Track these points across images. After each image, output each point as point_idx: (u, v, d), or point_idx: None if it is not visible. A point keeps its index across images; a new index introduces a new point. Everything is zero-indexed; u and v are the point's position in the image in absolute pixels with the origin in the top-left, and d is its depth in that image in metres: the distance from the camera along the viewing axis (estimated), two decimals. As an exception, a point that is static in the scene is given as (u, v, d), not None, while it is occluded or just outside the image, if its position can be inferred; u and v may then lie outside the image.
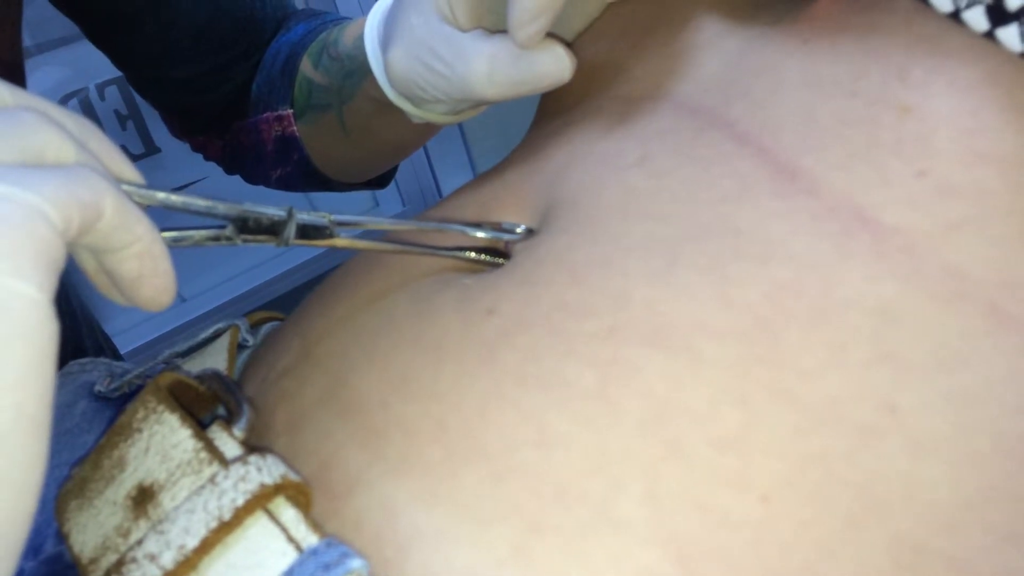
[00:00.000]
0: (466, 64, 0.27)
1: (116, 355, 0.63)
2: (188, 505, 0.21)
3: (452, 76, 0.28)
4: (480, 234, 0.27)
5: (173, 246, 0.21)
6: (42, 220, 0.15)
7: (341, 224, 0.24)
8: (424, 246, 0.27)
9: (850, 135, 0.23)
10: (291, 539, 0.20)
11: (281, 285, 1.14)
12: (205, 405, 0.26)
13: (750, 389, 0.20)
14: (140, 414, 0.24)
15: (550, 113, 0.33)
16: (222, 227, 0.22)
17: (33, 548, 0.26)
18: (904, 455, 0.19)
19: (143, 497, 0.22)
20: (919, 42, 0.24)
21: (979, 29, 0.22)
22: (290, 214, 0.23)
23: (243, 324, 0.34)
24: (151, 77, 0.47)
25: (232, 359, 0.31)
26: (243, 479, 0.21)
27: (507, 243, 0.27)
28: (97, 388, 0.32)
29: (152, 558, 0.20)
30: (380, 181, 0.52)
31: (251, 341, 0.33)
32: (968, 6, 0.22)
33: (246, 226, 0.22)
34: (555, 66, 0.26)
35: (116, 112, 1.01)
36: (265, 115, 0.47)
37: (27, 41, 0.88)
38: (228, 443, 0.23)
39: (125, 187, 0.20)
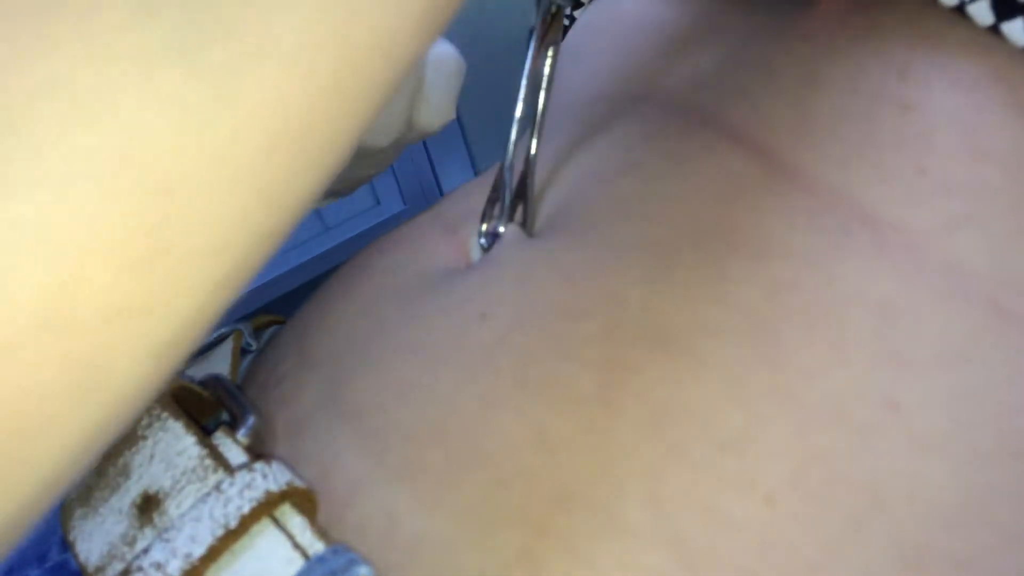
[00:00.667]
0: None
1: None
2: (194, 513, 0.21)
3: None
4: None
5: None
6: None
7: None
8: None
9: (849, 132, 0.23)
10: (297, 546, 0.20)
11: (278, 287, 1.14)
12: (209, 411, 0.26)
13: (751, 388, 0.20)
14: (144, 420, 0.24)
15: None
16: None
17: (38, 556, 0.26)
18: (907, 453, 0.19)
19: (148, 505, 0.22)
20: (921, 40, 0.23)
21: (984, 23, 0.22)
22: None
23: (246, 328, 0.33)
24: None
25: (236, 363, 0.31)
26: (249, 486, 0.21)
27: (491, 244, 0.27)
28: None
29: (158, 567, 0.20)
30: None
31: (255, 345, 0.33)
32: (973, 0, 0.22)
33: None
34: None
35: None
36: None
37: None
38: (233, 449, 0.23)
39: None
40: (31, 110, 0.10)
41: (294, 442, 0.24)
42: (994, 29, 0.22)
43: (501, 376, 0.22)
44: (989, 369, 0.20)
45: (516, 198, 0.27)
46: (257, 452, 0.23)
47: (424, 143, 1.18)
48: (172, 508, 0.21)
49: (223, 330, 0.33)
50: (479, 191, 0.28)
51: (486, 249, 0.27)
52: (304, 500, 0.21)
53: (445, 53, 0.31)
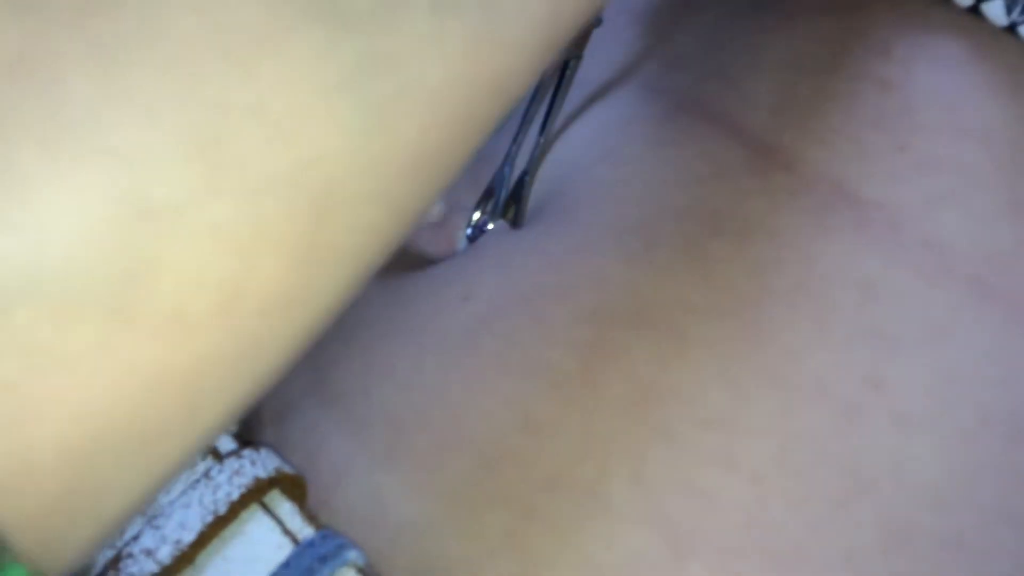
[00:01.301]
0: None
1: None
2: (183, 500, 0.21)
3: None
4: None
5: None
6: None
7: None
8: None
9: (829, 110, 0.23)
10: (287, 531, 0.21)
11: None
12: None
13: (736, 367, 0.20)
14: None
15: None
16: None
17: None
18: (890, 431, 0.20)
19: (139, 493, 0.22)
20: (904, 19, 0.23)
21: (965, 3, 0.22)
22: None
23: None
24: None
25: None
26: (237, 473, 0.21)
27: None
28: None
29: (149, 553, 0.20)
30: None
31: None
32: None
33: None
34: None
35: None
36: None
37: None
38: (221, 436, 0.23)
39: None
40: (241, 128, 0.11)
41: (281, 428, 0.24)
42: (974, 10, 0.22)
43: (484, 358, 0.22)
44: (971, 346, 0.20)
45: (511, 198, 0.27)
46: (246, 439, 0.23)
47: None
48: (161, 495, 0.22)
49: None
50: (467, 184, 0.28)
51: (471, 240, 0.27)
52: (293, 486, 0.22)
53: None
